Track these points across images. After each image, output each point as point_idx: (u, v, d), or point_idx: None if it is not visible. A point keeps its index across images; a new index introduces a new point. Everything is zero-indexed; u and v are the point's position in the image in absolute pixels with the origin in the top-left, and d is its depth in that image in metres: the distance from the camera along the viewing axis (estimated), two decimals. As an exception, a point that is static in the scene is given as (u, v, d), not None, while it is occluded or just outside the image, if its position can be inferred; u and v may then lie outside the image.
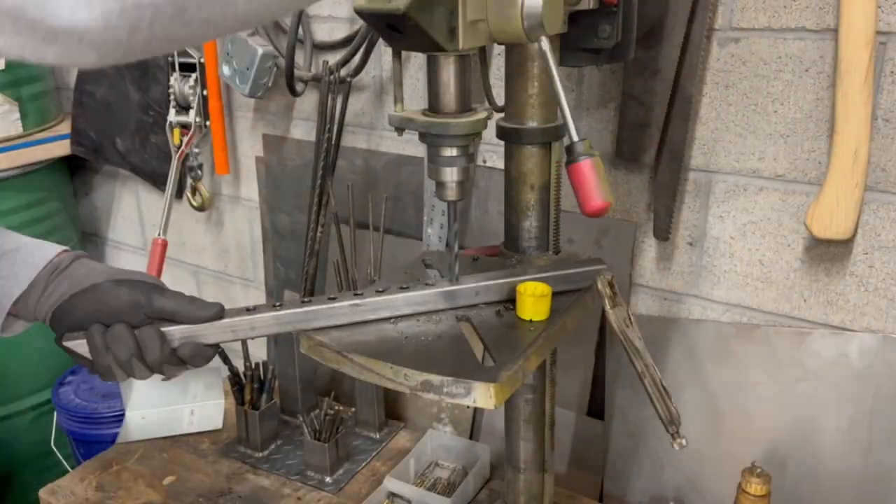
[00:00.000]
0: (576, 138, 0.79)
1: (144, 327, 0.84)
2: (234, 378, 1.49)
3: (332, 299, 0.88)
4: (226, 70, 1.61)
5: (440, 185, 0.89)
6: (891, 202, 1.10)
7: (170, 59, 1.74)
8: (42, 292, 0.86)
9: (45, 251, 0.88)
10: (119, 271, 0.89)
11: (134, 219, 2.16)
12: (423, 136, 0.87)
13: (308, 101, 1.64)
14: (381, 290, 0.89)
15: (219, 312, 0.87)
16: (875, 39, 1.02)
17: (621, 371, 1.34)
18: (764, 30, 1.13)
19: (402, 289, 0.90)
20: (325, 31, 1.57)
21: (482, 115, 0.85)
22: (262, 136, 1.75)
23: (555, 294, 0.89)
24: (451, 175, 0.88)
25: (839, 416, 1.17)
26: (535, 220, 1.00)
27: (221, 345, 1.46)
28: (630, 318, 0.96)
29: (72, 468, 1.81)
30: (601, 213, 0.79)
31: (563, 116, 0.79)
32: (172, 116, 1.78)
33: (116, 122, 1.94)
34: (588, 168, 0.78)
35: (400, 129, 0.87)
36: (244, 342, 1.49)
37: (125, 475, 1.44)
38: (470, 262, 1.02)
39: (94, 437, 1.85)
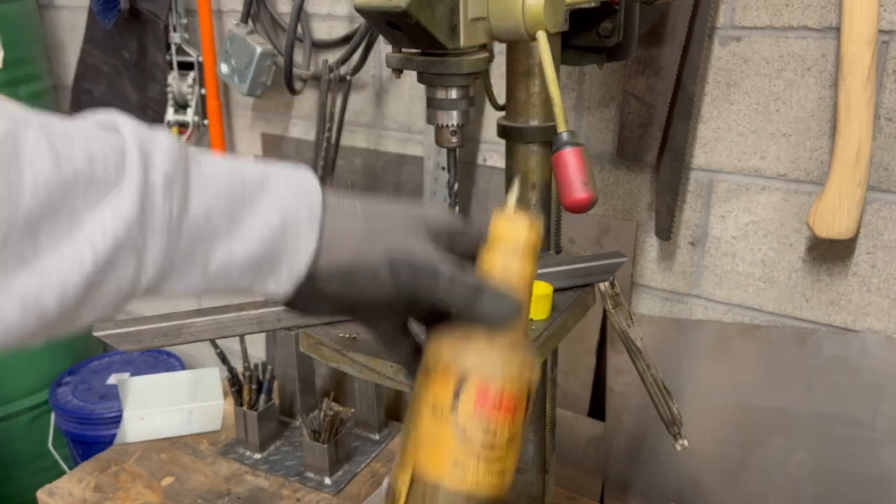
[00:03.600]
0: (561, 128, 0.78)
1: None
2: (233, 379, 1.48)
3: None
4: (224, 68, 1.60)
5: (440, 130, 0.87)
6: (893, 202, 1.09)
7: (168, 57, 1.73)
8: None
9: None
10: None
11: (132, 218, 2.15)
12: (422, 77, 0.85)
13: (307, 100, 1.64)
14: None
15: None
16: (877, 38, 1.02)
17: (622, 372, 1.34)
18: (766, 28, 1.12)
19: None
20: (324, 30, 1.57)
21: (484, 54, 0.84)
22: (261, 136, 1.74)
23: (556, 293, 0.88)
24: (450, 119, 0.86)
25: (841, 417, 1.16)
26: (536, 220, 0.99)
27: (220, 345, 1.48)
28: (631, 318, 0.96)
29: (70, 469, 1.81)
30: (583, 206, 0.74)
31: (553, 106, 0.78)
32: (170, 115, 1.77)
33: (115, 122, 1.93)
34: (569, 158, 0.76)
35: (398, 71, 0.85)
36: (243, 342, 1.48)
37: (123, 476, 1.43)
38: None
39: (92, 438, 1.84)
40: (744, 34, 1.14)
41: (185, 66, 1.73)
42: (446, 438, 0.48)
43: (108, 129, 0.44)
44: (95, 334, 0.84)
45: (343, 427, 1.43)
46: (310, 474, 1.41)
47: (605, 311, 0.96)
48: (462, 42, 0.79)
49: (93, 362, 2.06)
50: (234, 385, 1.48)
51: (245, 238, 0.46)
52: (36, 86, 1.99)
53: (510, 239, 0.51)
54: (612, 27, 0.95)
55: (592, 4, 0.90)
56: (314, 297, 0.50)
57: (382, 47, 1.48)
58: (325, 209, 0.49)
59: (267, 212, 0.47)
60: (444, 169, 1.44)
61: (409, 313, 0.55)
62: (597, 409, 1.40)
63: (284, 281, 0.49)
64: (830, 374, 1.17)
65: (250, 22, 1.59)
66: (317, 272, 0.49)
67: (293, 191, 0.49)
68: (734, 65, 1.16)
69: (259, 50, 1.54)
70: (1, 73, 1.86)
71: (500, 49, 1.33)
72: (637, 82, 1.20)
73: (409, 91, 1.50)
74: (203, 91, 1.72)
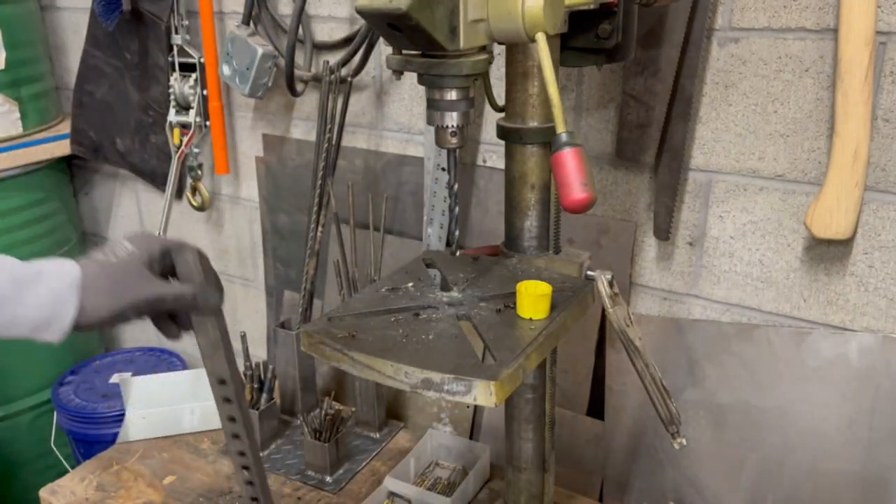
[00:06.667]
0: (560, 129, 0.78)
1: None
2: (234, 378, 1.49)
3: None
4: (226, 70, 1.61)
5: (440, 131, 0.88)
6: (891, 202, 1.10)
7: (170, 58, 1.74)
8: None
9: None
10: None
11: (134, 219, 2.16)
12: (422, 78, 0.85)
13: (308, 101, 1.65)
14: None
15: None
16: (875, 39, 1.02)
17: (621, 371, 1.34)
18: (764, 30, 1.13)
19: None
20: (325, 31, 1.58)
21: (483, 56, 0.84)
22: (262, 136, 1.75)
23: (555, 293, 0.89)
24: (450, 120, 0.87)
25: (839, 416, 1.17)
26: (536, 220, 1.00)
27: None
28: (630, 318, 0.96)
29: (72, 468, 1.81)
30: (582, 207, 0.76)
31: (552, 108, 0.79)
32: (172, 116, 1.78)
33: (116, 122, 1.94)
34: (568, 158, 0.77)
35: (398, 72, 0.86)
36: (244, 341, 1.49)
37: (125, 475, 1.44)
38: (470, 262, 1.03)
39: (94, 437, 1.85)
40: (742, 35, 1.15)
41: (187, 68, 1.74)
42: None
43: None
44: None
45: (343, 426, 1.44)
46: (310, 473, 1.42)
47: (604, 311, 0.96)
48: (462, 44, 0.79)
49: (95, 362, 2.07)
50: (236, 384, 1.49)
51: (26, 307, 0.79)
52: (38, 87, 2.00)
53: None
54: (610, 29, 0.95)
55: (591, 6, 0.91)
56: (88, 332, 0.85)
57: (383, 49, 1.49)
58: (83, 286, 0.81)
59: (43, 291, 0.79)
60: (443, 169, 1.45)
61: (158, 318, 0.90)
62: (596, 408, 1.40)
63: (56, 334, 0.81)
64: (828, 373, 1.18)
65: (251, 24, 1.59)
66: (81, 324, 0.81)
67: (62, 278, 0.80)
68: (732, 66, 1.17)
69: (260, 51, 1.54)
70: (3, 74, 1.86)
71: (499, 51, 1.34)
72: (636, 83, 1.21)
73: (410, 92, 1.51)
74: (205, 92, 1.73)
